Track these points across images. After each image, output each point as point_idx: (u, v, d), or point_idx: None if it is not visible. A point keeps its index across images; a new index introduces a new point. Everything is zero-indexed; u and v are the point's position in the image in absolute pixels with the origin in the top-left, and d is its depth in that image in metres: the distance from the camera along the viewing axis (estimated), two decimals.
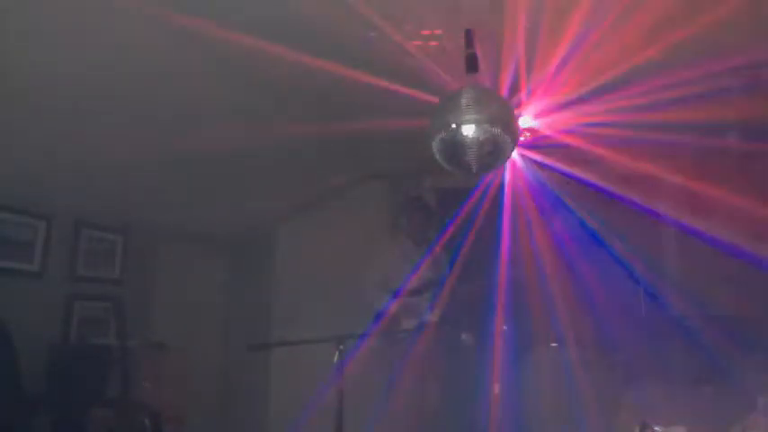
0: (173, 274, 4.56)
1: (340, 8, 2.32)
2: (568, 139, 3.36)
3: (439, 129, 2.25)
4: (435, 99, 2.53)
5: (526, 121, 3.24)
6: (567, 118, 3.18)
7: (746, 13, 2.40)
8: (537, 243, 3.88)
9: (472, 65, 2.44)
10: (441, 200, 4.77)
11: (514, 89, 2.91)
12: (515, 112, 2.68)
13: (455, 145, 2.22)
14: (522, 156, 3.64)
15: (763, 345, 3.03)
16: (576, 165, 3.65)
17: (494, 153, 2.26)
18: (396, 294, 3.95)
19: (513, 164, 3.65)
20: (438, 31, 2.53)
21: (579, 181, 3.70)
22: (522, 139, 3.41)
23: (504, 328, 3.92)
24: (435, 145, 2.29)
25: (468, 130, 2.18)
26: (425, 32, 2.54)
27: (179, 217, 4.32)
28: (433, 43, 2.61)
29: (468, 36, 2.45)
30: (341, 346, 2.51)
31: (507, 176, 3.72)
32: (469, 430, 3.80)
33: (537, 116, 3.20)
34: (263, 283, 4.98)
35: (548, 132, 3.35)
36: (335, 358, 2.50)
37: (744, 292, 3.49)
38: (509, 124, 2.27)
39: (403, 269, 3.82)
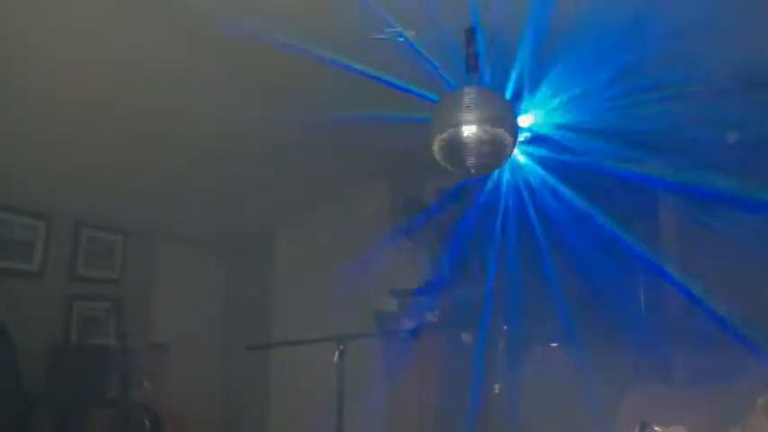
0: (173, 274, 4.56)
1: (340, 8, 2.32)
2: (569, 139, 3.36)
3: (439, 129, 2.25)
4: (435, 99, 2.53)
5: (526, 120, 3.24)
6: (567, 117, 3.18)
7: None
8: (537, 243, 3.87)
9: (472, 65, 2.45)
10: (441, 200, 4.77)
11: (515, 89, 2.91)
12: (515, 111, 2.68)
13: (455, 145, 2.22)
14: (523, 155, 3.64)
15: (763, 345, 3.03)
16: (577, 164, 3.65)
17: (494, 153, 2.26)
18: (396, 294, 3.95)
19: (514, 163, 3.64)
20: (438, 31, 2.53)
21: (580, 180, 3.69)
22: (522, 138, 3.41)
23: (505, 328, 3.92)
24: (435, 145, 2.29)
25: (468, 130, 2.18)
26: (425, 32, 2.54)
27: (179, 217, 4.32)
28: (433, 43, 2.61)
29: (469, 36, 2.45)
30: (341, 346, 2.51)
31: (507, 176, 3.72)
32: (469, 430, 3.79)
33: (537, 115, 3.20)
34: (263, 283, 4.98)
35: (548, 132, 3.34)
36: (335, 358, 2.50)
37: (744, 291, 3.49)
38: (509, 124, 2.27)
39: (403, 269, 3.82)
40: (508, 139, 2.24)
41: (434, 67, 2.71)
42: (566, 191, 3.76)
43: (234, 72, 2.92)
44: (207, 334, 4.85)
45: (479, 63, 2.45)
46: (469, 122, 2.17)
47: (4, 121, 2.79)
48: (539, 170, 3.69)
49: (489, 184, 3.78)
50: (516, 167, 3.65)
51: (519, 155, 3.61)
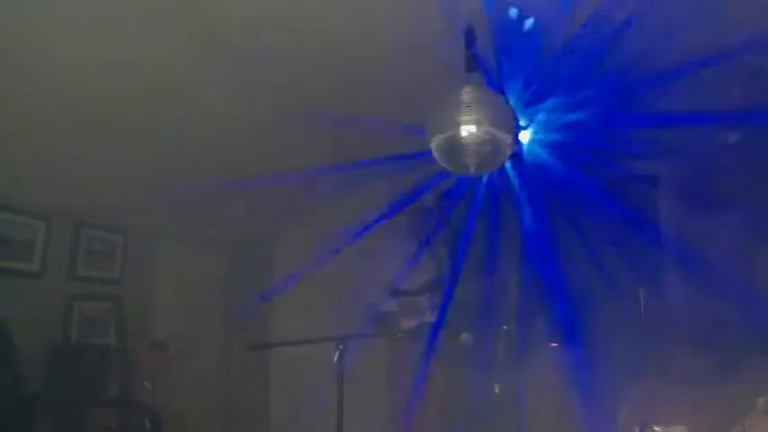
0: (173, 274, 4.56)
1: (341, 8, 2.32)
2: (568, 139, 3.36)
3: (438, 128, 2.25)
4: (435, 99, 2.53)
5: (526, 120, 3.24)
6: (567, 117, 3.18)
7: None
8: (537, 243, 3.87)
9: (472, 65, 2.44)
10: (441, 200, 4.76)
11: (514, 89, 2.91)
12: (515, 111, 2.67)
13: (455, 145, 2.22)
14: (522, 155, 3.63)
15: (763, 345, 3.02)
16: (576, 164, 3.65)
17: (493, 153, 2.26)
18: (396, 294, 3.95)
19: (513, 163, 3.64)
20: (438, 31, 2.53)
21: (579, 180, 3.69)
22: (521, 138, 3.41)
23: (505, 328, 3.92)
24: (435, 145, 2.29)
25: (468, 130, 2.18)
26: (426, 32, 2.54)
27: (178, 217, 4.32)
28: (434, 43, 2.61)
29: (468, 36, 2.45)
30: (341, 346, 2.51)
31: (507, 176, 3.72)
32: (469, 430, 3.79)
33: (536, 116, 3.19)
34: (263, 283, 4.98)
35: (547, 131, 3.34)
36: (335, 358, 2.50)
37: (744, 291, 3.49)
38: (509, 124, 2.27)
39: (403, 269, 3.82)
40: (507, 138, 2.23)
41: (434, 67, 2.71)
42: (565, 190, 3.76)
43: (234, 72, 2.92)
44: (207, 334, 4.85)
45: (478, 63, 2.44)
46: (469, 122, 2.17)
47: (4, 121, 2.79)
48: (538, 170, 3.68)
49: (488, 184, 3.78)
50: (515, 167, 3.65)
51: (518, 154, 3.61)
